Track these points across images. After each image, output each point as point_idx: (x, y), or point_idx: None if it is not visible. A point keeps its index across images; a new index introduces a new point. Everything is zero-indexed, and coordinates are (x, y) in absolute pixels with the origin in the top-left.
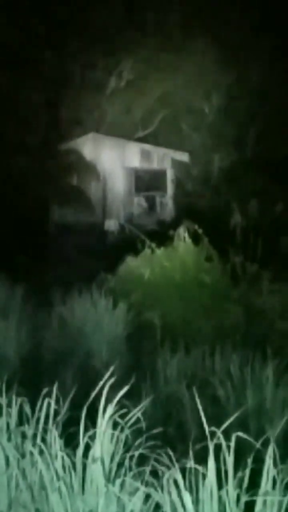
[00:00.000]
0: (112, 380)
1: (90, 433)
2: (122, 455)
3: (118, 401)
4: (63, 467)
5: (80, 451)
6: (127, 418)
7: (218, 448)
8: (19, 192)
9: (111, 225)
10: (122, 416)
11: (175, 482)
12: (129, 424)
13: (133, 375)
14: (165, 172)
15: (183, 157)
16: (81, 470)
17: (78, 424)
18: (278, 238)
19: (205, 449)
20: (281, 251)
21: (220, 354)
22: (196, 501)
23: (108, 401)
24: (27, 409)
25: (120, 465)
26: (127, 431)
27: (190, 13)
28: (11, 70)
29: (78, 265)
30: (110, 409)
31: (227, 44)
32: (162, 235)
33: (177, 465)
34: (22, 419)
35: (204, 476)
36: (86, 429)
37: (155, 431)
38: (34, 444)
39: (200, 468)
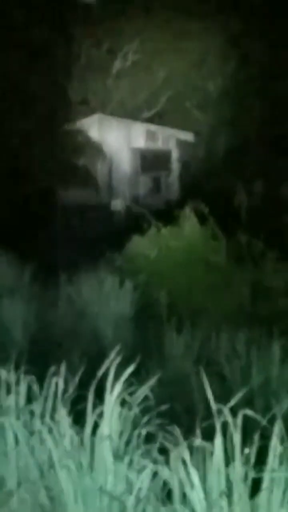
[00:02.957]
0: (119, 359)
1: (98, 411)
2: (130, 433)
3: (126, 380)
4: (72, 445)
5: (88, 429)
6: (135, 396)
7: (225, 425)
8: (25, 173)
9: (117, 205)
10: (130, 394)
11: (183, 460)
12: (137, 402)
13: (139, 354)
14: (170, 152)
15: (189, 137)
16: (89, 447)
17: (86, 402)
18: (284, 217)
19: (212, 427)
20: (286, 230)
21: (226, 333)
22: (203, 478)
23: (115, 379)
24: (35, 387)
25: (128, 442)
26: (135, 409)
27: None
28: (16, 52)
29: (84, 245)
30: (118, 387)
31: (233, 24)
32: (168, 215)
33: (184, 443)
34: (30, 398)
35: (211, 454)
36: (94, 407)
37: (162, 408)
38: (42, 422)
39: (207, 445)
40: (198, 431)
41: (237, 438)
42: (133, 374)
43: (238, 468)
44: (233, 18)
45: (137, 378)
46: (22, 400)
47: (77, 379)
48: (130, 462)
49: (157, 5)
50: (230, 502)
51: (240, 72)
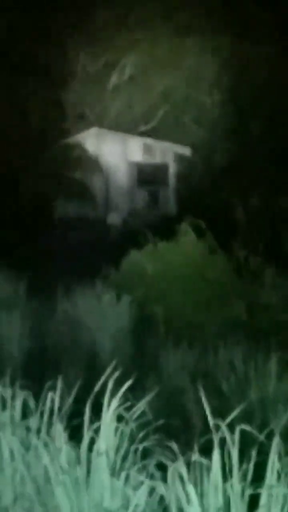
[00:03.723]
0: (116, 374)
1: (94, 426)
2: (127, 448)
3: (123, 395)
4: (68, 460)
5: (84, 444)
6: (132, 411)
7: (222, 441)
8: (22, 186)
9: (114, 219)
10: (126, 410)
11: (180, 475)
12: (133, 417)
13: (137, 369)
14: (167, 166)
15: (185, 151)
16: (85, 463)
17: (83, 418)
18: (282, 232)
19: (210, 442)
20: (284, 245)
21: (224, 348)
22: (200, 494)
23: (112, 394)
24: (31, 402)
25: (125, 458)
26: (131, 425)
27: (192, 8)
28: (14, 65)
29: (81, 259)
30: (115, 403)
31: (230, 39)
32: (165, 229)
33: (181, 458)
34: (26, 413)
35: (209, 469)
36: (90, 422)
37: (159, 423)
38: (38, 438)
39: (204, 461)
40: (195, 447)
41: (234, 453)
42: (130, 389)
43: (235, 484)
44: (230, 33)
45: (134, 393)
46: (17, 415)
47: (73, 394)
48: (127, 478)
49: (154, 19)
50: None
51: (237, 86)
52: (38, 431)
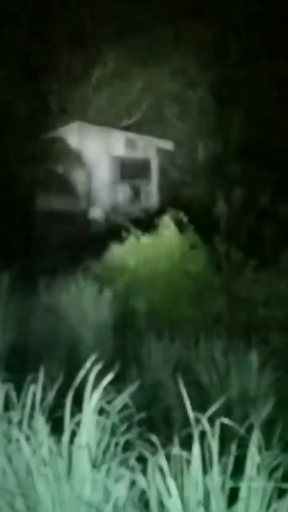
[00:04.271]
0: (97, 367)
1: (76, 419)
2: (108, 441)
3: (104, 388)
4: (50, 453)
5: (66, 437)
6: (113, 404)
7: (202, 434)
8: (3, 180)
9: (96, 213)
10: (108, 403)
11: (160, 468)
12: (115, 410)
13: (118, 362)
14: (149, 160)
15: (168, 145)
16: (67, 456)
17: (64, 410)
18: (263, 226)
19: (190, 435)
20: (265, 239)
21: (205, 341)
22: (181, 487)
23: (94, 387)
24: (13, 395)
25: (106, 451)
26: (113, 418)
27: (175, 2)
28: None
29: (63, 253)
30: (96, 396)
31: (213, 34)
32: (147, 223)
33: (162, 451)
34: (8, 406)
35: (189, 462)
36: (72, 416)
37: (140, 417)
38: (20, 430)
39: (185, 454)
40: (176, 440)
41: (214, 447)
42: (111, 382)
43: (215, 477)
44: (214, 29)
45: (116, 386)
46: None
47: (55, 387)
48: (108, 471)
49: (136, 13)
50: (207, 511)
51: (220, 81)
52: (20, 424)
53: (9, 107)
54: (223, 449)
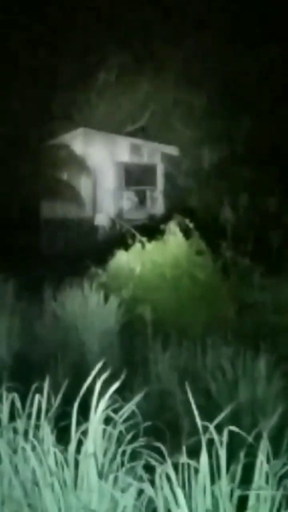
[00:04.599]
0: (104, 375)
1: (82, 428)
2: (115, 450)
3: (111, 396)
4: (56, 462)
5: (72, 446)
6: (120, 413)
7: (210, 442)
8: (9, 187)
9: (101, 219)
10: (114, 411)
11: (168, 477)
12: (121, 419)
13: (125, 370)
14: (155, 166)
15: (173, 151)
16: (73, 465)
17: (71, 419)
18: (269, 232)
19: (198, 444)
20: (272, 245)
21: (212, 348)
22: (189, 496)
23: (100, 396)
24: (18, 404)
25: (113, 460)
26: (120, 426)
27: (180, 8)
28: (1, 66)
29: (68, 260)
30: (103, 404)
31: (218, 39)
32: (152, 230)
33: (169, 460)
34: (13, 415)
35: (197, 471)
36: (78, 424)
37: (147, 425)
38: (26, 440)
39: (192, 463)
40: (183, 448)
41: (222, 455)
42: (118, 390)
43: (224, 486)
44: (219, 34)
45: (122, 394)
46: (5, 417)
47: (60, 395)
48: (115, 480)
49: (143, 18)
50: None
51: (226, 86)
52: (26, 433)
53: (14, 114)
54: (231, 458)
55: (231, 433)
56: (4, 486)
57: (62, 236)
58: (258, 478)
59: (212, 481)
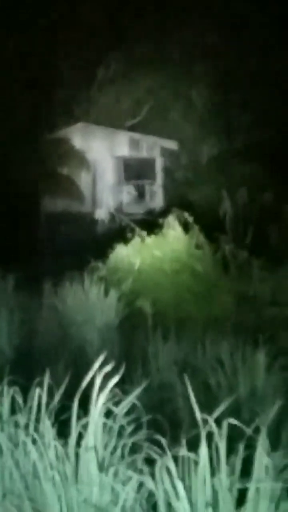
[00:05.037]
0: (105, 369)
1: (82, 422)
2: (115, 444)
3: (111, 389)
4: (57, 456)
5: (73, 440)
6: (120, 406)
7: (210, 435)
8: (8, 182)
9: (101, 214)
10: (115, 404)
11: (168, 470)
12: (122, 412)
13: (125, 363)
14: (154, 160)
15: (172, 145)
16: (74, 459)
17: (71, 413)
18: (268, 225)
19: (198, 437)
20: (270, 238)
21: (211, 342)
22: (189, 489)
23: (100, 389)
24: (19, 398)
25: (113, 453)
26: (120, 420)
27: (178, 3)
28: (0, 61)
29: (68, 254)
30: (103, 398)
31: (217, 34)
32: (152, 224)
33: (169, 453)
34: (14, 409)
35: (197, 464)
36: (78, 418)
37: (147, 418)
38: (27, 434)
39: (192, 455)
40: (183, 441)
41: (222, 448)
42: (118, 383)
43: (223, 478)
44: (217, 29)
45: (123, 387)
46: (6, 411)
47: (61, 389)
48: (115, 473)
49: (141, 13)
50: None
51: (224, 81)
52: (26, 427)
53: (13, 109)
54: (231, 450)
55: (230, 425)
56: (5, 479)
57: (62, 230)
58: (258, 470)
59: (212, 474)
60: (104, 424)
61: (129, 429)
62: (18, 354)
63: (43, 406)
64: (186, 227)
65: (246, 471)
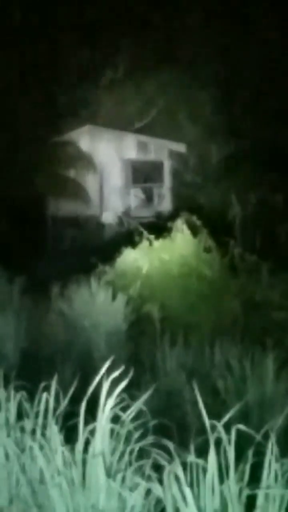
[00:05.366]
0: (113, 374)
1: (90, 427)
2: (123, 449)
3: (118, 395)
4: (64, 462)
5: (80, 446)
6: (128, 411)
7: (219, 441)
8: (16, 185)
9: (108, 217)
10: (122, 410)
11: (176, 476)
12: (129, 417)
13: (132, 368)
14: (162, 163)
15: (180, 148)
16: (81, 465)
17: (78, 418)
18: (277, 229)
19: (206, 443)
20: (279, 242)
21: (220, 346)
22: (197, 496)
23: (108, 394)
24: (26, 403)
25: (121, 459)
26: (127, 425)
27: (186, 4)
28: (7, 63)
29: (76, 258)
30: (110, 403)
31: (225, 34)
32: (160, 227)
33: (177, 459)
34: (21, 414)
35: (205, 470)
36: (86, 423)
37: (155, 424)
38: (33, 439)
39: (200, 461)
40: (191, 447)
41: (231, 454)
42: (125, 388)
43: (232, 485)
44: (226, 29)
45: (130, 392)
46: (12, 416)
47: (68, 394)
48: (123, 479)
49: (149, 15)
50: None
51: (232, 82)
52: (33, 432)
53: (20, 111)
54: (240, 457)
55: (239, 431)
56: (12, 485)
57: (69, 233)
58: (267, 477)
59: (221, 480)
60: (112, 430)
61: (136, 434)
62: (24, 358)
63: (50, 411)
64: (194, 230)
65: (255, 477)
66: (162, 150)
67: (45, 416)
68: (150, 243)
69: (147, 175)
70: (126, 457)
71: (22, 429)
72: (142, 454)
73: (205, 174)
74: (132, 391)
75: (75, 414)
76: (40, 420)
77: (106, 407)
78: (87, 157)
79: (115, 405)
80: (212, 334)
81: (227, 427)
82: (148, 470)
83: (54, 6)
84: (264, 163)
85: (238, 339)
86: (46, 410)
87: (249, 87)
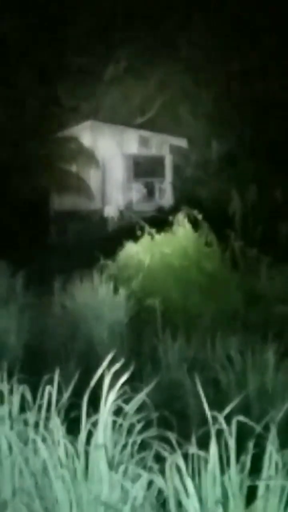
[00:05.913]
0: (114, 366)
1: (92, 419)
2: (125, 441)
3: (120, 387)
4: (66, 454)
5: (82, 438)
6: (130, 404)
7: (220, 432)
8: (18, 180)
9: (110, 211)
10: (124, 402)
11: (178, 468)
12: (131, 410)
13: (134, 361)
14: (163, 158)
15: (182, 143)
16: (84, 457)
17: (80, 411)
18: (277, 223)
19: (207, 434)
20: (280, 236)
21: (221, 339)
22: (198, 487)
23: (110, 387)
24: (28, 396)
25: (123, 451)
26: (129, 418)
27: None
28: (9, 59)
29: (78, 252)
30: (112, 395)
31: (226, 30)
32: (161, 221)
33: (179, 451)
34: (24, 407)
35: (207, 461)
36: (88, 416)
37: (156, 416)
38: (36, 432)
39: (202, 453)
40: (193, 439)
41: (232, 445)
42: (127, 381)
43: (233, 476)
44: (227, 24)
45: (132, 385)
46: (15, 409)
47: (71, 387)
48: (125, 471)
49: (151, 11)
50: (225, 511)
51: (232, 78)
52: (36, 425)
53: (22, 107)
54: (241, 448)
55: (240, 423)
56: (15, 477)
57: (72, 228)
58: (268, 468)
59: (222, 471)
60: (114, 422)
61: (138, 426)
62: (27, 351)
63: (52, 404)
64: (195, 224)
65: (256, 468)
66: (163, 145)
67: (48, 409)
68: (152, 237)
69: (149, 170)
70: (128, 449)
71: (25, 422)
72: (144, 445)
73: (206, 169)
74: (134, 384)
75: (78, 407)
76: (43, 412)
77: (108, 399)
78: (89, 152)
79: (117, 397)
80: (213, 326)
81: (228, 419)
82: (150, 462)
83: (55, 2)
84: (265, 158)
85: (239, 331)
86: (49, 403)
87: (251, 82)
